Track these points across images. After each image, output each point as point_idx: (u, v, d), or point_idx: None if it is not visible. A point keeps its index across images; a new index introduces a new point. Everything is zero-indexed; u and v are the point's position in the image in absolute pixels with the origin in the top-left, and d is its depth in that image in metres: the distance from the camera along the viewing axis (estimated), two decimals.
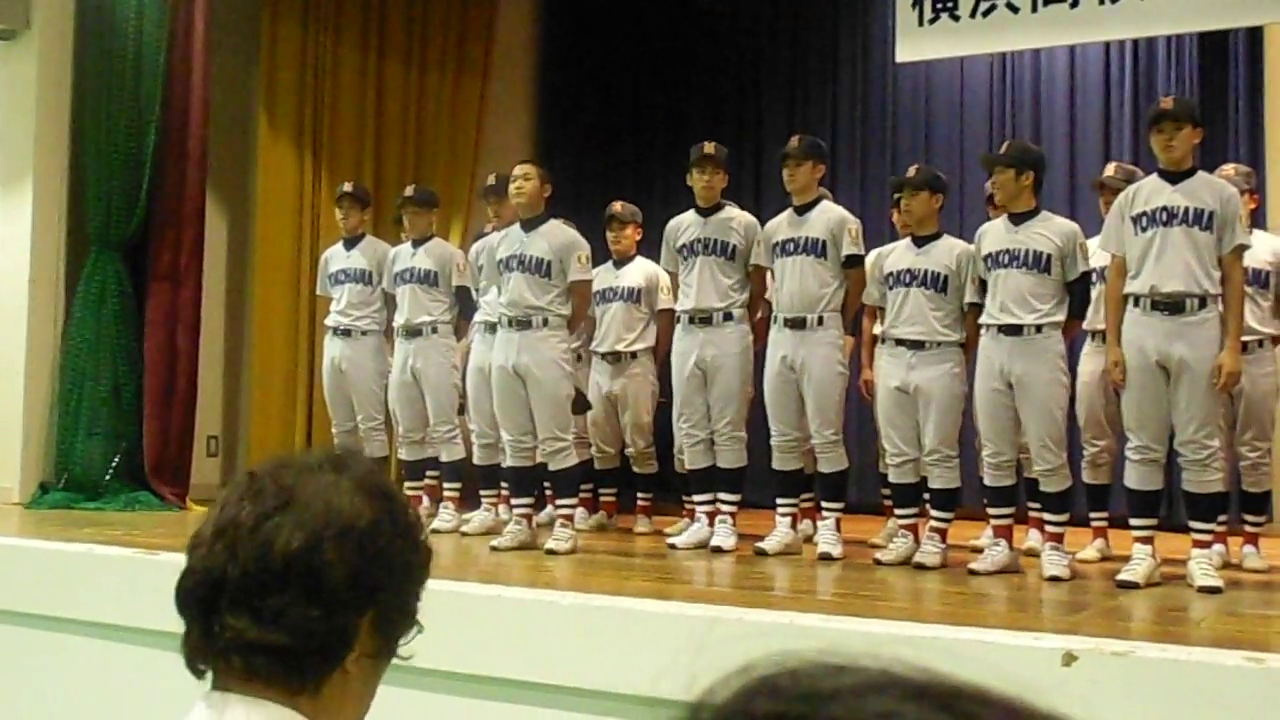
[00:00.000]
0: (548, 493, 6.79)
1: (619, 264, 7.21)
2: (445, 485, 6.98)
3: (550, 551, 5.81)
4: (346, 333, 7.15)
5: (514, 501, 6.25)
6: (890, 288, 5.76)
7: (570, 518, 6.11)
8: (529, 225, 6.13)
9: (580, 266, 6.07)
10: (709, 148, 6.18)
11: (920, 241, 5.77)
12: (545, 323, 6.01)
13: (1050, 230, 5.43)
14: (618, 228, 7.23)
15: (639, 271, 7.19)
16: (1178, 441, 5.01)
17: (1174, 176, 5.03)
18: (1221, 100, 8.02)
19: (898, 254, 5.83)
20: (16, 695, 5.33)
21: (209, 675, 1.40)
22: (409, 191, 7.21)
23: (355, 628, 1.37)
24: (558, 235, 6.10)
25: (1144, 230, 5.02)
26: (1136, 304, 5.02)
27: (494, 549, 5.94)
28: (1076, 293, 5.44)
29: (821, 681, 0.56)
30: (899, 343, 5.70)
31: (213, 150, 8.13)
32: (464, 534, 6.56)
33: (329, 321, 7.27)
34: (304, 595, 1.33)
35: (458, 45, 9.57)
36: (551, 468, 6.08)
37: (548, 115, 10.43)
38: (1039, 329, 5.32)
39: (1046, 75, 8.67)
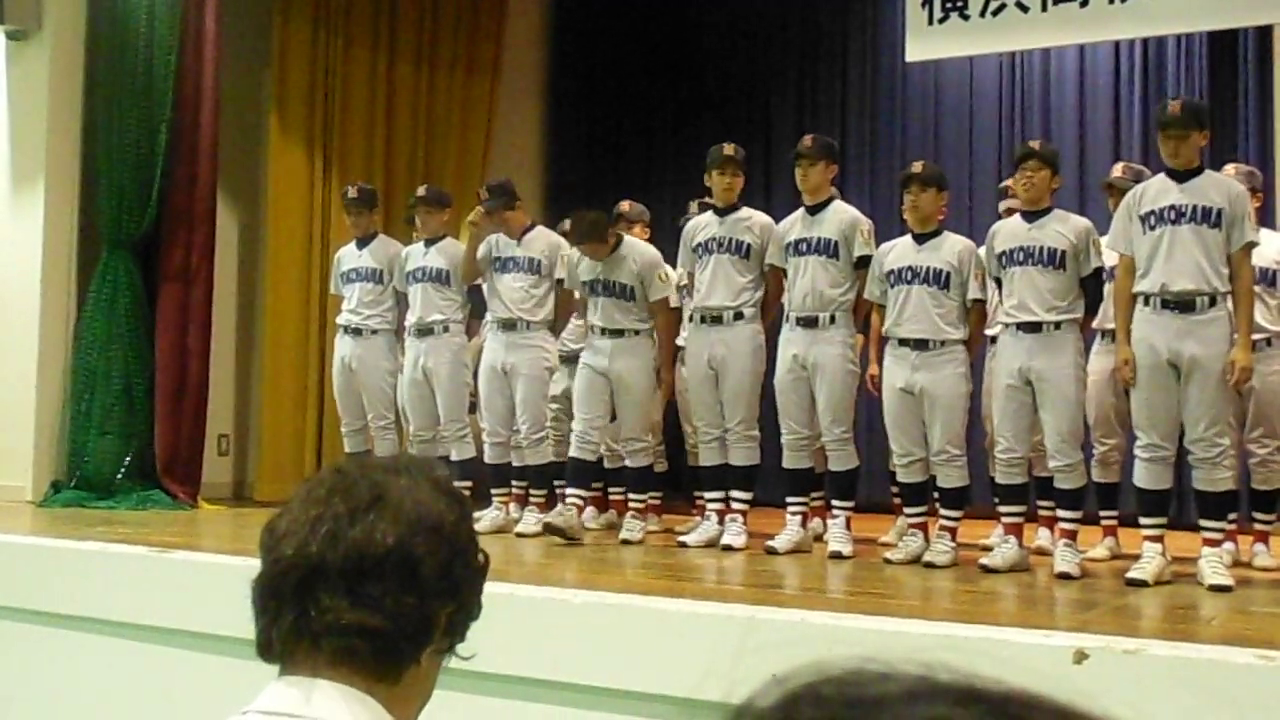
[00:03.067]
0: (559, 490, 6.90)
1: None
2: (456, 484, 6.99)
3: (625, 541, 6.20)
4: (357, 331, 7.17)
5: (571, 492, 6.47)
6: (892, 285, 5.76)
7: (643, 511, 6.42)
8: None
9: (662, 284, 6.40)
10: (730, 150, 6.20)
11: (921, 239, 5.77)
12: (636, 333, 6.37)
13: (1064, 226, 5.44)
14: (625, 227, 7.27)
15: None
16: (1188, 440, 5.01)
17: (1181, 175, 5.05)
18: (1231, 99, 8.02)
19: (899, 251, 5.82)
20: (29, 692, 5.36)
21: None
22: (421, 191, 7.24)
23: (439, 619, 1.46)
24: (637, 260, 6.40)
25: (1152, 229, 5.03)
26: (1146, 303, 5.03)
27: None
28: (1091, 288, 5.45)
29: (866, 689, 0.54)
30: (902, 342, 5.70)
31: (224, 150, 8.16)
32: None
33: (340, 320, 7.30)
34: (400, 583, 1.42)
35: (468, 46, 9.59)
36: (629, 464, 6.46)
37: (557, 115, 10.45)
38: (1058, 325, 5.33)
39: (1056, 74, 8.68)
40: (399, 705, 1.44)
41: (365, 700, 1.40)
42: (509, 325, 6.72)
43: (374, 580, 1.40)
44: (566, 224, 7.48)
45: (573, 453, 6.44)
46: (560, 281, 6.72)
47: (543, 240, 6.85)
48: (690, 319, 6.29)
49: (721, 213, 6.25)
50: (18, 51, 7.90)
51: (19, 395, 7.68)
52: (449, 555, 1.47)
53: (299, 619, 1.40)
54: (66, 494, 7.54)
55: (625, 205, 7.39)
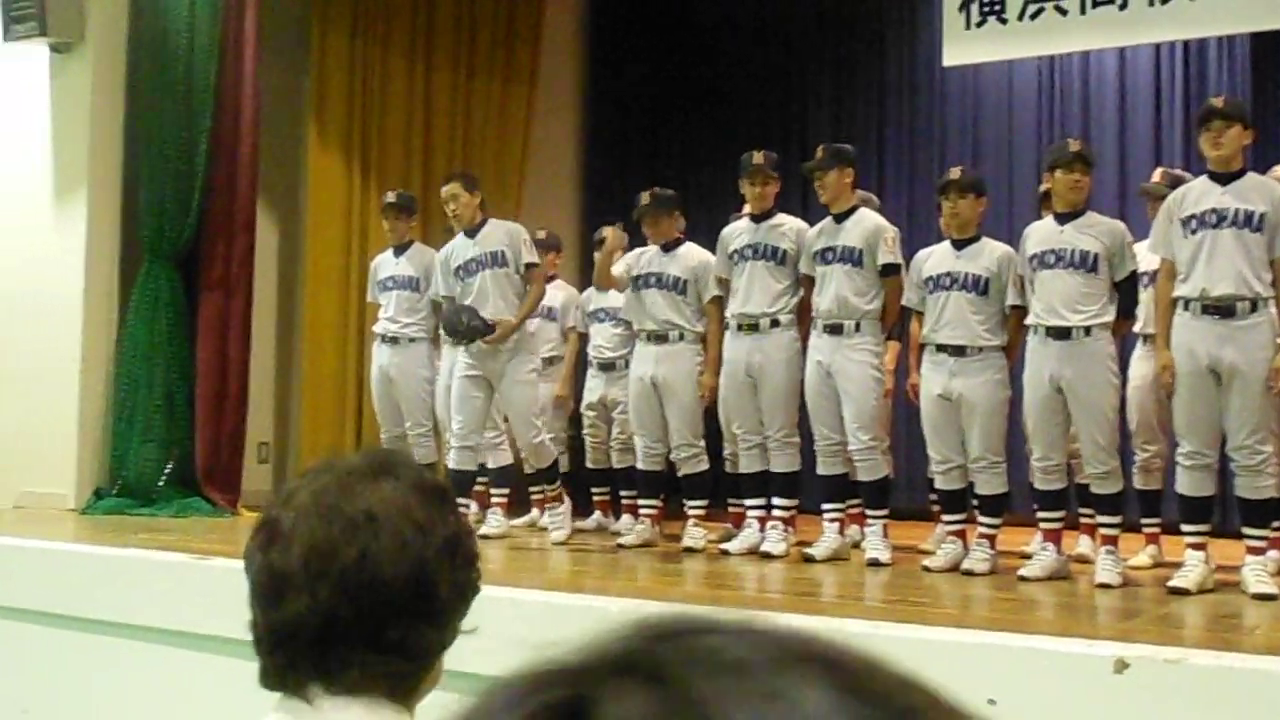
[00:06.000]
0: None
1: None
2: (493, 491, 7.01)
3: (688, 549, 6.12)
4: (394, 340, 7.20)
5: (641, 503, 6.61)
6: (930, 292, 5.73)
7: (702, 517, 6.37)
8: (667, 248, 6.50)
9: (715, 286, 6.40)
10: (759, 157, 6.20)
11: (960, 245, 5.73)
12: (681, 337, 6.38)
13: (1097, 230, 5.38)
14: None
15: None
16: (1229, 447, 4.95)
17: (1223, 178, 4.98)
18: (1275, 102, 7.93)
19: (937, 257, 5.79)
20: (72, 700, 5.40)
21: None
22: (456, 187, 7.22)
23: (457, 626, 1.43)
24: (694, 257, 6.48)
25: (1193, 233, 4.97)
26: (1186, 308, 4.97)
27: (620, 546, 6.30)
28: (1125, 292, 5.39)
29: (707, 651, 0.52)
30: (940, 349, 5.67)
31: (263, 160, 8.20)
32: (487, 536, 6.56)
33: (377, 328, 7.32)
34: (419, 619, 1.37)
35: (505, 53, 9.62)
36: (684, 471, 6.46)
37: (594, 121, 10.46)
38: (1088, 330, 5.28)
39: (1096, 78, 8.61)
40: (415, 697, 1.44)
41: (394, 711, 1.40)
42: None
43: (393, 624, 1.36)
44: (605, 231, 7.54)
45: (640, 465, 6.56)
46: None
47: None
48: (728, 326, 6.29)
49: (756, 219, 6.26)
50: (61, 64, 7.99)
51: (62, 403, 7.75)
52: (458, 570, 1.43)
53: (319, 665, 1.37)
54: (108, 501, 7.60)
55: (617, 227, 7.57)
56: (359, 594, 1.35)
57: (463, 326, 6.44)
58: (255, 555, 1.43)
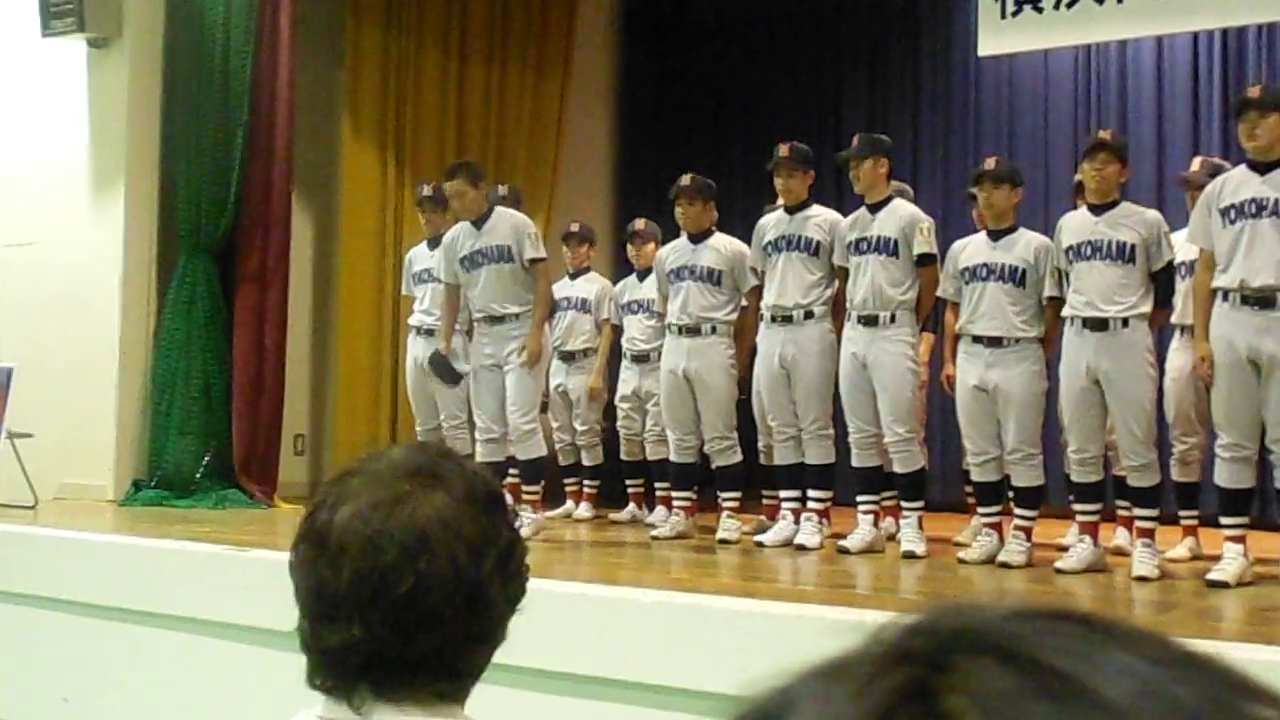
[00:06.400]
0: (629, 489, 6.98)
1: (641, 276, 7.39)
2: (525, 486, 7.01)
3: (723, 541, 6.13)
4: (429, 332, 7.21)
5: (675, 495, 6.61)
6: (966, 282, 5.69)
7: (737, 509, 6.38)
8: (697, 239, 6.46)
9: (753, 276, 6.36)
10: (783, 150, 6.18)
11: (997, 235, 5.70)
12: (713, 330, 6.33)
13: (1133, 220, 5.34)
14: (639, 243, 7.55)
15: None
16: (1269, 439, 4.90)
17: (1262, 167, 4.93)
18: None
19: (974, 248, 5.76)
20: (111, 689, 5.45)
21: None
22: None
23: (507, 627, 1.42)
24: (727, 247, 6.45)
25: (1232, 223, 4.93)
26: (1225, 299, 4.93)
27: (654, 538, 6.33)
28: (1163, 282, 5.35)
29: (966, 613, 0.53)
30: (976, 339, 5.63)
31: (298, 153, 8.24)
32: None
33: (412, 321, 7.35)
34: (474, 639, 1.37)
35: (538, 44, 9.63)
36: (717, 464, 6.44)
37: (628, 113, 10.45)
38: (1125, 322, 5.23)
39: (1133, 67, 8.52)
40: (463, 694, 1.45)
41: (453, 711, 1.40)
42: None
43: (445, 649, 1.35)
44: (639, 224, 7.58)
45: (673, 458, 6.56)
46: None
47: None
48: (762, 318, 6.27)
49: (789, 211, 6.24)
50: (98, 59, 8.05)
51: (101, 396, 7.82)
52: (511, 580, 1.39)
53: (368, 683, 1.36)
54: (147, 493, 7.67)
55: (640, 223, 7.64)
56: (410, 625, 1.33)
57: (445, 377, 6.66)
58: (302, 566, 1.41)
